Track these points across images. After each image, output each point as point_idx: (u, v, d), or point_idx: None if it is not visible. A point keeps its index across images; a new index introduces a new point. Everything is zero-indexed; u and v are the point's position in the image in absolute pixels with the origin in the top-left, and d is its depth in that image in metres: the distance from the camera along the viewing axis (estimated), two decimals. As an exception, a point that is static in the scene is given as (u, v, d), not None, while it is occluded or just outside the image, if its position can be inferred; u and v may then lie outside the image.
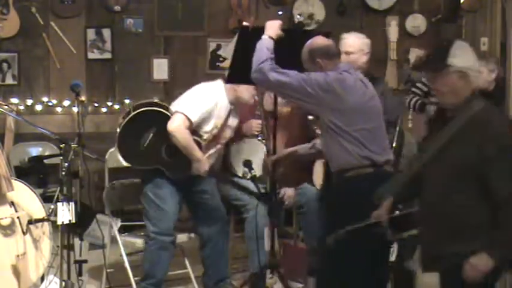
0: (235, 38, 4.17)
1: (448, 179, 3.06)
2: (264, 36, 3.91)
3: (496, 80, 4.95)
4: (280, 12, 4.41)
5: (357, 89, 3.84)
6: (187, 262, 5.03)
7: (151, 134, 4.57)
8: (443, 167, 3.09)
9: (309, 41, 3.97)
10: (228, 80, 4.46)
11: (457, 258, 2.99)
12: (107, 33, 6.77)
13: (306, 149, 4.26)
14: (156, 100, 5.03)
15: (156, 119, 4.56)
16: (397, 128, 4.98)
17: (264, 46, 3.85)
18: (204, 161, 4.54)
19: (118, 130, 4.69)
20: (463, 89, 3.07)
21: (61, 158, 4.08)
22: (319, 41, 3.95)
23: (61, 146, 4.09)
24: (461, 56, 3.08)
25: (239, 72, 4.13)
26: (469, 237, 3.00)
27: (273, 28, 3.95)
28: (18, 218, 4.15)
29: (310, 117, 4.57)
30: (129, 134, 4.61)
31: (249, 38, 3.95)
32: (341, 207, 3.75)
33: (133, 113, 4.62)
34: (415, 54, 7.21)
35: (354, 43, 4.62)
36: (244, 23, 4.22)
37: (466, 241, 3.00)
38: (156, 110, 4.60)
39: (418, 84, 6.22)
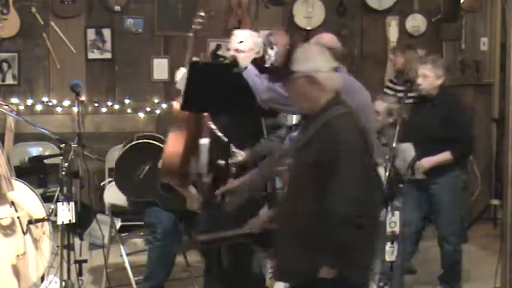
0: (187, 72, 4.13)
1: (295, 190, 2.98)
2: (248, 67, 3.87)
3: (441, 86, 4.88)
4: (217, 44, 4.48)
5: (362, 89, 3.93)
6: (187, 262, 5.03)
7: (147, 167, 4.59)
8: (294, 176, 3.00)
9: (317, 36, 4.01)
10: (183, 108, 4.32)
11: (309, 274, 2.88)
12: (107, 33, 6.77)
13: (255, 174, 3.94)
14: (156, 134, 5.02)
15: (154, 153, 4.54)
16: None
17: (255, 72, 3.82)
18: (196, 198, 4.54)
19: (116, 159, 4.72)
20: (315, 93, 2.95)
21: (61, 158, 4.08)
22: (327, 39, 3.95)
23: (61, 146, 4.10)
24: (305, 60, 2.97)
25: (194, 102, 4.03)
26: (316, 251, 2.87)
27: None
28: (18, 218, 4.16)
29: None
30: (126, 163, 4.63)
31: (200, 72, 3.95)
32: None
33: (131, 144, 4.65)
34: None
35: (243, 34, 4.23)
36: (194, 58, 4.15)
37: (314, 256, 2.87)
38: (154, 144, 4.63)
39: (389, 84, 6.27)
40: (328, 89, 2.96)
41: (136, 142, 4.70)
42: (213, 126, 4.07)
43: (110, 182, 5.29)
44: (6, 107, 5.68)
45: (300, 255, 2.93)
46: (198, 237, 3.52)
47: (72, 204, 4.02)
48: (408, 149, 4.42)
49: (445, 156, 4.76)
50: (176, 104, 4.27)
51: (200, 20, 4.30)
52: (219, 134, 4.05)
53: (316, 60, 2.98)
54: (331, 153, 2.83)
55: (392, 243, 3.91)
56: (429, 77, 4.80)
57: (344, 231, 2.81)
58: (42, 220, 4.21)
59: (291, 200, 3.02)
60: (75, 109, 5.86)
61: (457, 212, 5.03)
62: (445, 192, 4.85)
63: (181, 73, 4.29)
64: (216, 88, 3.83)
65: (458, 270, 5.05)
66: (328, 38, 3.97)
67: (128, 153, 4.65)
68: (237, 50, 4.05)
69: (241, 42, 4.09)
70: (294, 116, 4.41)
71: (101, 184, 5.65)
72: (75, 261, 4.35)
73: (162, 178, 4.33)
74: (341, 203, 2.81)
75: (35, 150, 6.43)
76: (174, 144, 4.19)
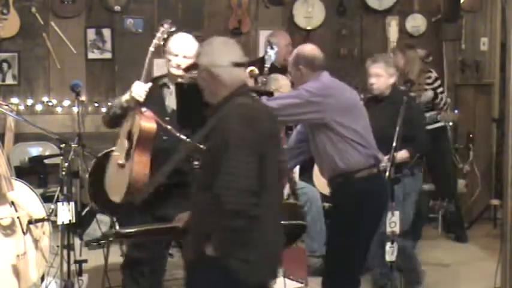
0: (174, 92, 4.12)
1: (198, 180, 3.03)
2: None
3: (393, 85, 4.82)
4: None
5: (348, 88, 4.00)
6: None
7: None
8: (199, 167, 3.06)
9: (300, 46, 4.08)
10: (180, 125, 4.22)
11: (197, 252, 2.91)
12: (107, 33, 6.77)
13: None
14: None
15: None
16: None
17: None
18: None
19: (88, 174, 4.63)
20: (214, 86, 3.00)
21: (61, 158, 4.09)
22: (308, 49, 4.03)
23: (61, 146, 4.10)
24: (206, 53, 3.02)
25: (187, 119, 3.99)
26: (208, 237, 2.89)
27: None
28: (18, 218, 4.15)
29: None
30: (98, 177, 4.42)
31: (186, 93, 3.95)
32: (352, 209, 3.79)
33: (101, 154, 4.56)
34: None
35: (192, 48, 4.17)
36: (179, 80, 4.12)
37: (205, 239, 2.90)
38: None
39: None
40: (226, 83, 3.00)
41: (105, 152, 4.57)
42: (183, 136, 3.88)
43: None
44: (6, 107, 5.69)
45: (194, 241, 2.96)
46: (120, 229, 3.48)
47: (72, 204, 4.02)
48: None
49: (403, 154, 4.66)
50: (143, 122, 3.98)
51: (165, 36, 4.29)
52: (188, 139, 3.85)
53: (216, 54, 3.01)
54: (222, 142, 2.85)
55: (392, 243, 3.91)
56: (382, 76, 4.73)
57: (230, 222, 2.80)
58: (42, 220, 4.21)
59: (195, 189, 3.07)
60: (75, 109, 5.87)
61: (410, 211, 4.94)
62: (403, 190, 4.79)
63: (137, 86, 4.20)
64: (206, 108, 3.80)
65: (412, 268, 4.88)
66: (310, 48, 4.04)
67: (98, 165, 4.50)
68: (185, 57, 4.10)
69: (188, 47, 4.14)
70: None
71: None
72: (75, 261, 4.35)
73: (127, 197, 3.92)
74: (227, 192, 2.79)
75: (35, 150, 6.44)
76: (140, 164, 3.93)
